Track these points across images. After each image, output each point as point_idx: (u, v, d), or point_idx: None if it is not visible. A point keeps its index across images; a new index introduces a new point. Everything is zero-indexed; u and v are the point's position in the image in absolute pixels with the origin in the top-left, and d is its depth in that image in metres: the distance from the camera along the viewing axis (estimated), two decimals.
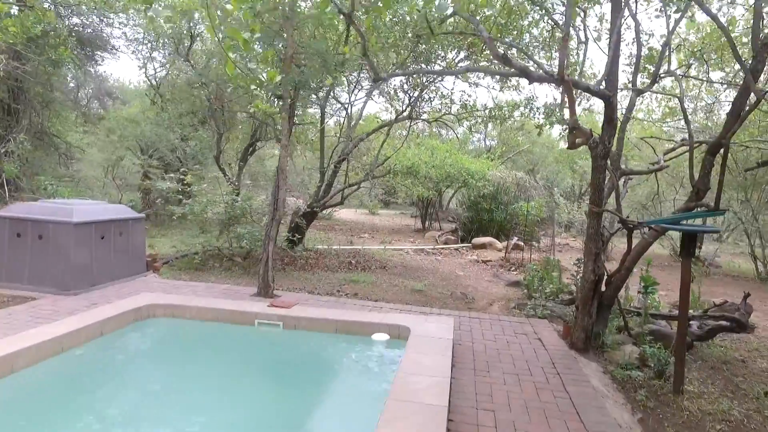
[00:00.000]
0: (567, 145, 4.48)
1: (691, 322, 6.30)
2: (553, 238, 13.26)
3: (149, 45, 16.12)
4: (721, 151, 4.97)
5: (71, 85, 20.78)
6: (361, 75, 11.59)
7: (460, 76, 11.40)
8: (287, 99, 6.91)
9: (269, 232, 7.01)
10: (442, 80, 10.99)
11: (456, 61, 10.66)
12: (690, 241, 4.44)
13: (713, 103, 11.73)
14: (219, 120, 14.86)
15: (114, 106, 21.08)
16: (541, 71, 4.71)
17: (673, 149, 6.22)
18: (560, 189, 20.19)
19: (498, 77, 11.60)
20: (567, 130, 9.35)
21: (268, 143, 17.55)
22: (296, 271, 9.44)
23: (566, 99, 4.84)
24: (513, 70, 4.25)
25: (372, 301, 7.37)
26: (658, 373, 4.93)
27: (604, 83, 4.78)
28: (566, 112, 7.66)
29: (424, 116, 11.34)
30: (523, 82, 11.44)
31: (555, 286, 8.28)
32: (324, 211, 21.75)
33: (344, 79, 9.98)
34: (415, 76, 9.85)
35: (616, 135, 5.68)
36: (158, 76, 17.67)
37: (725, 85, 8.37)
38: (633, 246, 5.38)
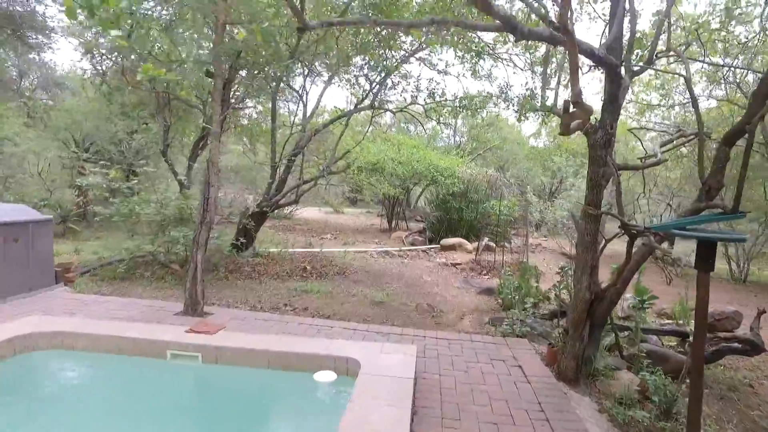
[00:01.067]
0: (560, 130, 3.54)
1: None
2: (527, 240, 12.43)
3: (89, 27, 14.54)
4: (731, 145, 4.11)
5: (13, 74, 19.02)
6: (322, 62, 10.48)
7: (425, 63, 10.40)
8: (219, 77, 5.72)
9: (197, 238, 5.82)
10: (408, 62, 9.92)
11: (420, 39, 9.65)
12: (708, 251, 3.51)
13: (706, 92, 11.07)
14: (163, 109, 13.44)
15: (65, 98, 19.28)
16: (536, 26, 3.74)
17: (670, 141, 5.37)
18: (531, 187, 19.52)
19: (468, 64, 10.66)
20: (546, 117, 8.44)
21: (223, 136, 16.20)
22: (241, 280, 8.24)
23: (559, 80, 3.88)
24: (496, 22, 3.22)
25: (323, 318, 6.27)
26: (665, 412, 4.02)
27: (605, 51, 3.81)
28: (551, 98, 6.75)
29: (389, 106, 10.25)
30: (497, 72, 10.55)
31: (534, 298, 7.37)
32: (285, 210, 20.50)
33: (294, 62, 8.80)
34: (373, 60, 8.77)
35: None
36: (105, 64, 16.07)
37: (726, 69, 7.57)
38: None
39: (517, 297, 7.01)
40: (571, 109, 3.17)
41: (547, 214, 15.18)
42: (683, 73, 5.32)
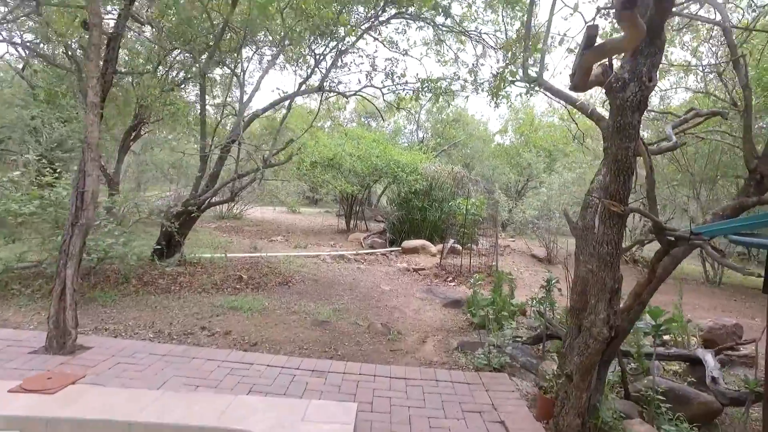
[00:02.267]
0: (575, 81, 2.32)
1: (710, 367, 4.33)
2: (497, 242, 11.29)
3: None
4: None
5: None
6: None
7: (385, 43, 9.06)
8: (96, 28, 4.20)
9: (67, 246, 4.28)
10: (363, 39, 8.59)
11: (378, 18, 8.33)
12: None
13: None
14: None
15: None
16: None
17: (684, 121, 4.24)
18: (498, 185, 18.54)
19: (433, 46, 9.41)
20: (528, 93, 7.19)
21: (160, 126, 14.35)
22: (155, 295, 6.67)
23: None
24: None
25: (243, 351, 4.84)
26: None
27: None
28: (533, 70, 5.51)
29: (341, 89, 8.85)
30: (464, 55, 9.34)
31: (510, 317, 6.13)
32: (234, 210, 18.78)
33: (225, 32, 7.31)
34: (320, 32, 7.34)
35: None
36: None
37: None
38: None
39: (491, 315, 5.76)
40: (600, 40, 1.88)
41: (517, 213, 14.14)
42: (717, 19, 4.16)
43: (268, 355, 4.60)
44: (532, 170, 18.86)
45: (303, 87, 8.09)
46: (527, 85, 4.54)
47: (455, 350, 5.29)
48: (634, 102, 2.44)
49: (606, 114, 4.12)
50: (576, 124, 7.66)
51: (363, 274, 9.91)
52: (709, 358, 4.47)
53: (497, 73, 5.96)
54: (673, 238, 2.55)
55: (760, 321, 9.50)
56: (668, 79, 11.53)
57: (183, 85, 12.42)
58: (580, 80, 2.19)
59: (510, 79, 4.75)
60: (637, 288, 3.05)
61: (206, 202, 8.39)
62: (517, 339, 5.12)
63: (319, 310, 6.67)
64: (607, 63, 2.53)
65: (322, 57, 7.58)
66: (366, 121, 22.67)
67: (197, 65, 7.59)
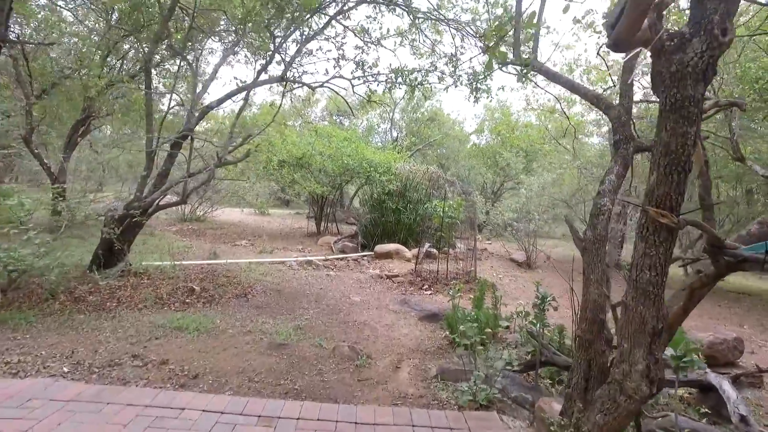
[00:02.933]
0: (609, 40, 1.61)
1: (732, 401, 3.69)
2: (475, 247, 10.63)
3: None
4: None
5: None
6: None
7: (356, 32, 8.28)
8: None
9: None
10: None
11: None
12: None
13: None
14: (24, 79, 10.48)
15: None
16: None
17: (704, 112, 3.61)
18: (475, 186, 17.97)
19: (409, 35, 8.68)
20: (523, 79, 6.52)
21: (112, 121, 13.21)
22: (86, 314, 5.73)
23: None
24: None
25: (180, 384, 3.99)
26: None
27: None
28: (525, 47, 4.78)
29: (307, 79, 8.00)
30: (441, 48, 8.67)
31: (497, 342, 5.44)
32: (198, 212, 17.68)
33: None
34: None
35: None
36: None
37: None
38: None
39: (475, 337, 5.02)
40: None
41: (496, 216, 13.56)
42: None
43: (207, 395, 3.75)
44: (510, 170, 18.36)
45: (264, 76, 7.23)
46: (519, 69, 3.85)
47: (434, 378, 4.54)
48: (699, 67, 1.73)
49: (616, 101, 3.45)
50: (568, 118, 7.02)
51: (332, 283, 9.11)
52: (727, 388, 3.84)
53: (486, 46, 5.18)
54: (735, 259, 1.87)
55: (749, 328, 9.09)
56: None
57: (138, 77, 11.40)
58: (628, 30, 1.48)
59: (499, 62, 4.07)
60: (673, 320, 2.35)
61: (155, 204, 7.44)
62: (507, 368, 4.39)
63: (279, 328, 5.84)
64: (655, 15, 1.82)
65: (283, 39, 6.72)
66: (338, 120, 21.83)
67: (141, 51, 6.65)
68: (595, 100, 3.20)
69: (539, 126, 18.13)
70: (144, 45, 7.15)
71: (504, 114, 21.09)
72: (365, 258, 12.13)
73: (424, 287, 9.47)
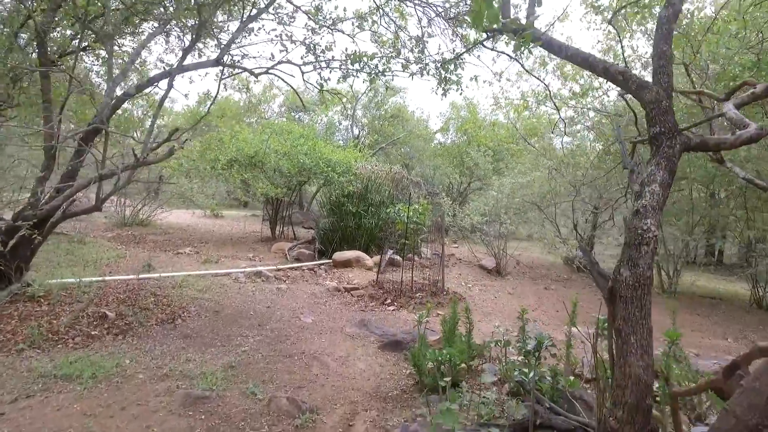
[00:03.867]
0: None
1: None
2: (443, 256, 9.68)
3: None
4: None
5: None
6: None
7: (309, 14, 7.15)
8: None
9: None
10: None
11: None
12: None
13: None
14: None
15: None
16: None
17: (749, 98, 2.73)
18: (442, 187, 17.10)
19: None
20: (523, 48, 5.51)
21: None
22: None
23: None
24: None
25: None
26: None
27: None
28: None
29: (248, 65, 6.83)
30: (407, 35, 7.63)
31: (470, 368, 4.47)
32: (141, 215, 16.08)
33: None
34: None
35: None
36: None
37: None
38: None
39: (445, 374, 4.00)
40: None
41: (461, 217, 12.68)
42: None
43: None
44: (479, 170, 17.57)
45: (185, 57, 5.99)
46: (514, 37, 2.89)
47: None
48: None
49: (649, 78, 2.50)
50: (557, 109, 6.13)
51: (282, 298, 7.96)
52: None
53: (472, 12, 4.19)
54: None
55: (733, 341, 8.49)
56: None
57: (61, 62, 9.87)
58: None
59: (488, 29, 3.10)
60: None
61: (59, 212, 6.11)
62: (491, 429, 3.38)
63: (206, 367, 4.68)
64: None
65: (212, 8, 5.51)
66: (297, 117, 20.55)
67: (34, 21, 5.33)
68: (620, 78, 2.28)
69: (508, 124, 17.42)
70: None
71: (471, 112, 20.33)
72: (323, 267, 11.01)
73: (387, 301, 8.46)
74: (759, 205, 11.66)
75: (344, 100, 21.12)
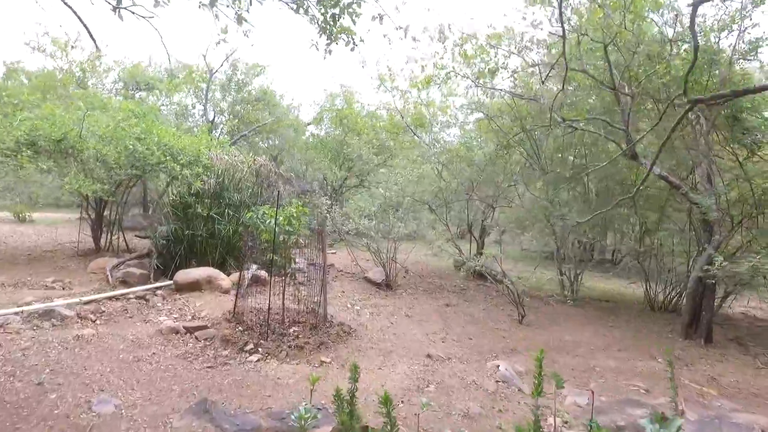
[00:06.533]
0: None
1: None
2: (324, 274, 7.41)
3: None
4: None
5: None
6: None
7: None
8: None
9: None
10: None
11: None
12: None
13: None
14: None
15: None
16: None
17: None
18: (315, 184, 14.77)
19: None
20: None
21: None
22: None
23: None
24: None
25: None
26: None
27: None
28: None
29: None
30: None
31: None
32: None
33: None
34: None
35: None
36: None
37: None
38: None
39: None
40: None
41: (345, 222, 10.53)
42: None
43: None
44: (363, 163, 15.56)
45: None
46: None
47: None
48: None
49: None
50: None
51: (77, 358, 5.05)
52: None
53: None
54: None
55: (662, 361, 7.45)
56: None
57: None
58: None
59: None
60: None
61: None
62: None
63: None
64: None
65: None
66: (137, 96, 16.61)
67: None
68: None
69: (390, 114, 15.66)
70: None
71: (347, 100, 18.26)
72: (160, 292, 8.07)
73: (248, 347, 5.97)
74: (648, 204, 11.34)
75: (194, 73, 17.71)
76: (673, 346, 8.12)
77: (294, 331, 6.63)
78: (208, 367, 5.30)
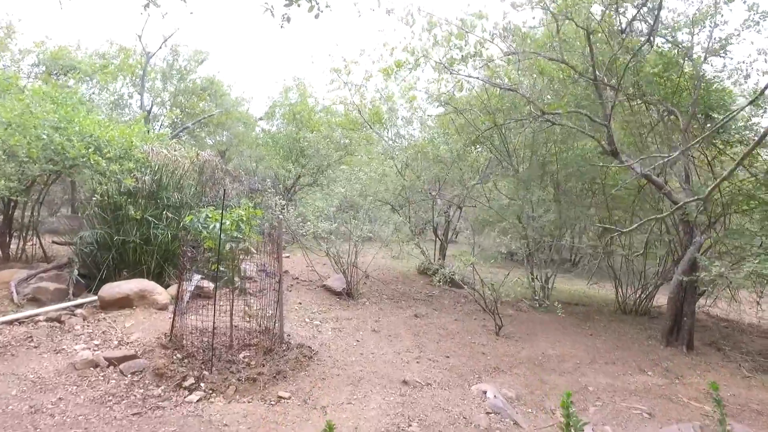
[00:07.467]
0: None
1: None
2: (281, 286, 6.36)
3: None
4: None
5: None
6: None
7: None
8: None
9: None
10: None
11: None
12: None
13: None
14: None
15: None
16: None
17: None
18: (268, 182, 13.56)
19: None
20: None
21: None
22: None
23: None
24: None
25: None
26: None
27: None
28: None
29: None
30: None
31: None
32: None
33: None
34: None
35: None
36: None
37: None
38: None
39: None
40: None
41: (301, 225, 9.47)
42: None
43: None
44: (320, 159, 14.42)
45: None
46: None
47: None
48: None
49: None
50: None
51: None
52: None
53: None
54: None
55: (653, 376, 6.89)
56: None
57: None
58: None
59: None
60: None
61: None
62: None
63: None
64: None
65: None
66: (60, 81, 14.73)
67: None
68: None
69: (346, 110, 14.63)
70: None
71: (301, 94, 17.05)
72: (79, 311, 6.73)
73: (187, 382, 4.84)
74: (615, 203, 10.97)
75: (131, 58, 16.03)
76: (658, 355, 7.64)
77: (244, 357, 5.57)
78: (134, 414, 4.17)
